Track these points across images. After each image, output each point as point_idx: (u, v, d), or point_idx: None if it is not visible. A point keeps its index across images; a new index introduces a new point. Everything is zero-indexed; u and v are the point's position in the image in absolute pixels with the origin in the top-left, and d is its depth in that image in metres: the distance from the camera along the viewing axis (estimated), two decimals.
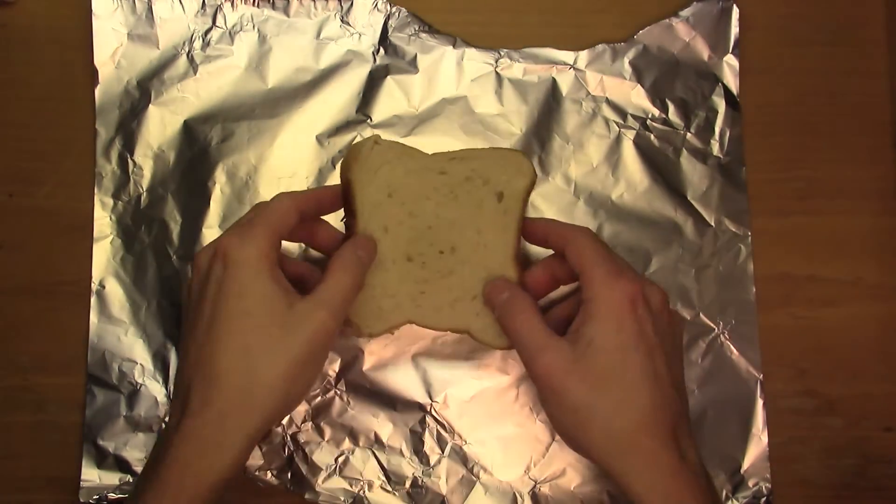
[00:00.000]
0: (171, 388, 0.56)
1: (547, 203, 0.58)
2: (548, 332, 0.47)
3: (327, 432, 0.56)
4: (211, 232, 0.57)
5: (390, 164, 0.52)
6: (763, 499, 0.55)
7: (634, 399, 0.45)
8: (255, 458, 0.55)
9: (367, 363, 0.56)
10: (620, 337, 0.46)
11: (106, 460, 0.55)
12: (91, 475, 0.55)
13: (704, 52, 0.59)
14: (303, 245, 0.57)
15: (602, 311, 0.46)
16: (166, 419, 0.55)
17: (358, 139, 0.58)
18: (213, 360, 0.45)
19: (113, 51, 0.59)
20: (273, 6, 0.59)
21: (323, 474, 0.55)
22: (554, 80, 0.59)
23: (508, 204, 0.52)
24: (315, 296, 0.46)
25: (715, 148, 0.58)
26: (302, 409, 0.56)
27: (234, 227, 0.49)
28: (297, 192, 0.50)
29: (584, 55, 0.59)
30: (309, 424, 0.56)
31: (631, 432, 0.45)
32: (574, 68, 0.59)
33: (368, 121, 0.58)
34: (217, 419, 0.44)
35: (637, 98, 0.59)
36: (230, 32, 0.59)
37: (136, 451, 0.55)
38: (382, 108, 0.58)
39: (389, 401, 0.56)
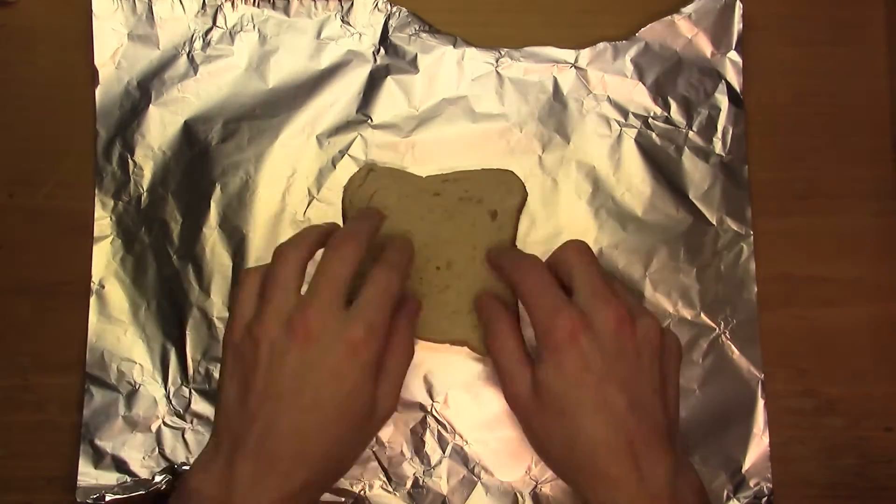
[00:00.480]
0: (170, 388, 0.56)
1: (548, 203, 0.58)
2: (519, 359, 0.49)
3: None
4: (211, 232, 0.57)
5: (385, 189, 0.55)
6: (764, 499, 0.55)
7: (584, 432, 0.46)
8: None
9: None
10: (562, 376, 0.47)
11: (103, 460, 0.55)
12: (88, 475, 0.55)
13: (707, 49, 0.59)
14: None
15: (545, 352, 0.47)
16: (164, 419, 0.55)
17: (358, 139, 0.58)
18: (279, 420, 0.45)
19: (113, 51, 0.59)
20: (273, 6, 0.59)
21: None
22: (555, 79, 0.59)
23: (502, 221, 0.55)
24: (385, 381, 0.48)
25: (717, 146, 0.58)
26: None
27: (305, 298, 0.47)
28: (361, 232, 0.49)
29: (585, 54, 0.59)
30: None
31: (586, 461, 0.46)
32: (575, 67, 0.59)
33: (369, 121, 0.58)
34: (266, 475, 0.45)
35: (639, 96, 0.59)
36: (230, 32, 0.59)
37: (133, 451, 0.55)
38: (383, 108, 0.58)
39: None
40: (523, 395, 0.48)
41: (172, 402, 0.56)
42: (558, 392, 0.47)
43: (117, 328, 0.56)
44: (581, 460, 0.47)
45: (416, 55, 0.59)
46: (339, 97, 0.59)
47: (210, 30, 0.59)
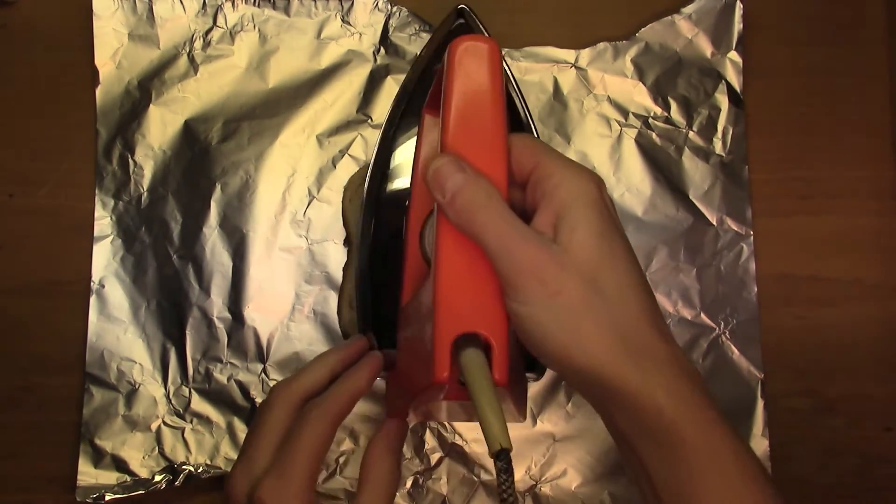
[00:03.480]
0: (170, 388, 0.56)
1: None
2: (524, 224, 0.39)
3: None
4: (211, 232, 0.57)
5: None
6: None
7: (632, 288, 0.39)
8: None
9: None
10: (602, 223, 0.39)
11: (103, 460, 0.55)
12: (88, 475, 0.55)
13: (707, 49, 0.59)
14: None
15: (576, 197, 0.39)
16: (164, 419, 0.55)
17: (358, 139, 0.58)
18: None
19: (113, 51, 0.59)
20: (274, 6, 0.59)
21: (323, 474, 0.55)
22: (555, 79, 0.59)
23: None
24: None
25: (717, 146, 0.58)
26: None
27: (260, 455, 0.44)
28: (330, 406, 0.45)
29: (585, 54, 0.59)
30: None
31: (636, 327, 0.38)
32: (575, 67, 0.59)
33: (369, 121, 0.58)
34: None
35: (639, 96, 0.59)
36: (231, 32, 0.59)
37: (133, 450, 0.55)
38: (383, 108, 0.58)
39: None
40: (548, 259, 0.38)
41: (172, 402, 0.56)
42: (599, 239, 0.39)
43: (117, 328, 0.56)
44: (624, 325, 0.38)
45: (417, 55, 0.59)
46: (339, 97, 0.59)
47: (210, 30, 0.59)
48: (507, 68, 0.52)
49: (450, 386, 0.39)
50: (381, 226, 0.53)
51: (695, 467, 0.38)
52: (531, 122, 0.53)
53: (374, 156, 0.53)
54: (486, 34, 0.52)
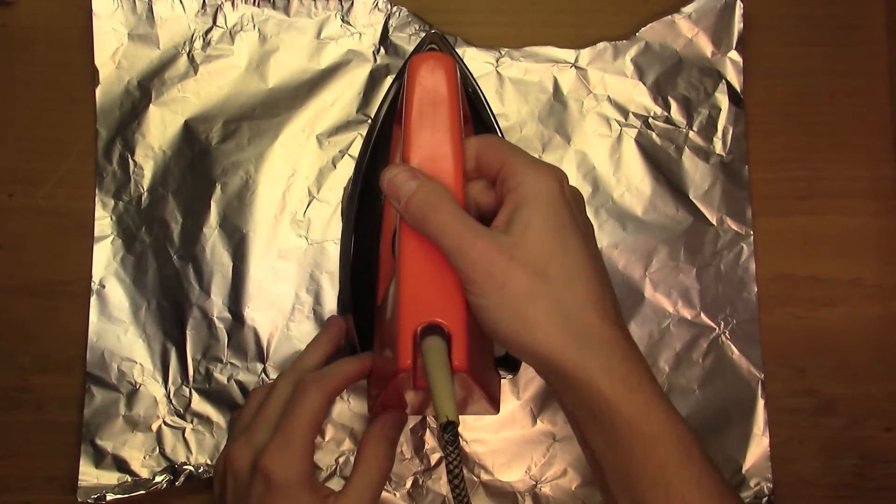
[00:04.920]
0: (170, 388, 0.56)
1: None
2: (475, 221, 0.42)
3: (328, 432, 0.56)
4: (211, 232, 0.57)
5: None
6: (764, 499, 0.55)
7: (579, 279, 0.41)
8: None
9: None
10: (558, 218, 0.42)
11: (104, 460, 0.55)
12: (89, 475, 0.55)
13: (707, 48, 0.59)
14: None
15: (535, 194, 0.42)
16: (165, 419, 0.55)
17: (358, 139, 0.58)
18: None
19: (113, 51, 0.59)
20: (273, 6, 0.59)
21: (323, 474, 0.55)
22: (555, 79, 0.59)
23: None
24: (346, 496, 0.46)
25: (717, 146, 0.58)
26: None
27: (264, 425, 0.48)
28: (327, 381, 0.48)
29: (585, 53, 0.59)
30: None
31: (579, 312, 0.41)
32: (575, 67, 0.59)
33: (369, 121, 0.58)
34: None
35: (639, 96, 0.59)
36: (231, 32, 0.59)
37: (134, 450, 0.55)
38: None
39: None
40: (498, 253, 0.41)
41: (173, 402, 0.56)
42: (552, 233, 0.42)
43: (117, 328, 0.56)
44: (571, 313, 0.41)
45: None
46: (339, 97, 0.59)
47: (210, 29, 0.59)
48: (474, 81, 0.55)
49: (417, 375, 0.42)
50: (363, 230, 0.54)
51: (633, 447, 0.40)
52: (500, 133, 0.55)
53: (357, 162, 0.55)
54: (455, 57, 0.56)
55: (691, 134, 0.58)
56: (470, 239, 0.41)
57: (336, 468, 0.55)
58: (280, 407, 0.48)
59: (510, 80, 0.59)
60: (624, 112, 0.59)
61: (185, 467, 0.55)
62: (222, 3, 0.59)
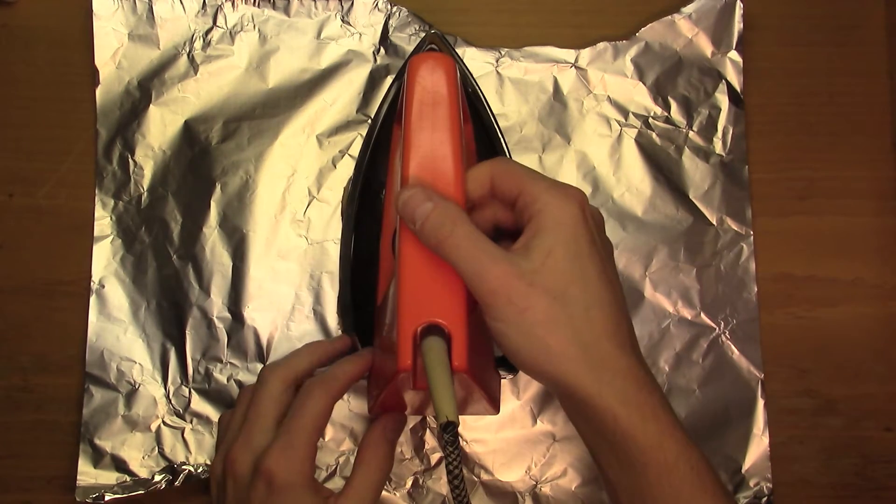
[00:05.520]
0: (170, 388, 0.56)
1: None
2: (493, 245, 0.42)
3: (328, 433, 0.56)
4: (211, 232, 0.57)
5: None
6: (764, 499, 0.55)
7: (598, 306, 0.42)
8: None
9: None
10: (578, 244, 0.42)
11: (103, 460, 0.55)
12: (88, 475, 0.55)
13: (707, 48, 0.59)
14: None
15: (556, 220, 0.42)
16: (164, 419, 0.55)
17: (358, 139, 0.58)
18: None
19: (113, 51, 0.59)
20: (273, 6, 0.59)
21: (323, 474, 0.55)
22: (555, 79, 0.59)
23: None
24: (346, 498, 0.46)
25: (717, 146, 0.58)
26: None
27: (261, 426, 0.47)
28: (331, 384, 0.48)
29: (585, 53, 0.59)
30: None
31: (597, 341, 0.41)
32: (575, 67, 0.59)
33: (369, 121, 0.58)
34: None
35: (639, 96, 0.59)
36: (231, 32, 0.59)
37: (133, 450, 0.55)
38: None
39: None
40: (517, 279, 0.41)
41: (172, 402, 0.56)
42: (572, 261, 0.42)
43: (117, 328, 0.56)
44: (588, 342, 0.41)
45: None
46: (339, 97, 0.59)
47: (210, 30, 0.59)
48: (474, 81, 0.55)
49: (417, 375, 0.42)
50: (363, 230, 0.54)
51: (648, 474, 0.41)
52: (500, 133, 0.55)
53: (357, 162, 0.55)
54: (455, 57, 0.56)
55: (691, 134, 0.58)
56: (488, 264, 0.41)
57: (336, 468, 0.55)
58: (273, 407, 0.48)
59: (510, 80, 0.59)
60: (624, 112, 0.59)
61: (184, 467, 0.55)
62: (222, 3, 0.59)
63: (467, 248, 0.42)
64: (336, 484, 0.55)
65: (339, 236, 0.57)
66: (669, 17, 0.59)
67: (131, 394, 0.56)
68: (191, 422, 0.56)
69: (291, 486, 0.45)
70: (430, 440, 0.56)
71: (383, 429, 0.48)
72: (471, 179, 0.45)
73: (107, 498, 0.54)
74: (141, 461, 0.55)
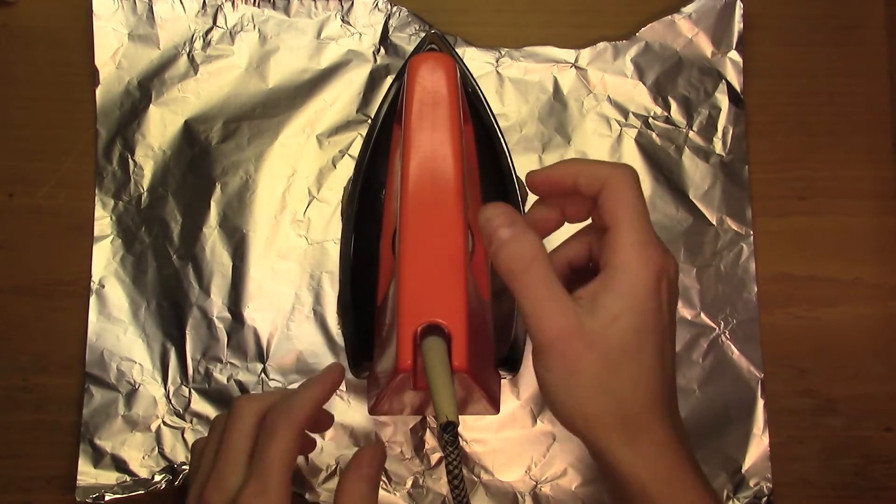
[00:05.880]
0: (170, 388, 0.56)
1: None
2: (563, 291, 0.41)
3: (327, 432, 0.55)
4: (211, 232, 0.57)
5: None
6: (764, 499, 0.55)
7: (647, 382, 0.41)
8: None
9: None
10: (644, 318, 0.41)
11: (103, 460, 0.55)
12: (88, 475, 0.55)
13: (707, 48, 0.59)
14: None
15: (631, 286, 0.41)
16: (164, 419, 0.55)
17: (358, 139, 0.58)
18: None
19: (114, 51, 0.59)
20: (273, 6, 0.59)
21: (323, 474, 0.55)
22: (555, 79, 0.59)
23: None
24: None
25: (717, 146, 0.58)
26: None
27: (231, 467, 0.44)
28: (295, 414, 0.44)
29: (585, 53, 0.59)
30: None
31: (638, 414, 0.41)
32: (575, 67, 0.59)
33: (369, 121, 0.58)
34: None
35: (639, 96, 0.59)
36: (231, 32, 0.59)
37: (133, 450, 0.55)
38: None
39: None
40: (576, 337, 0.40)
41: (172, 402, 0.56)
42: (635, 332, 0.41)
43: (117, 328, 0.56)
44: (629, 414, 0.41)
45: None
46: (339, 97, 0.59)
47: (210, 30, 0.59)
48: (474, 81, 0.55)
49: (417, 375, 0.42)
50: (363, 230, 0.54)
51: None
52: (500, 133, 0.55)
53: (357, 162, 0.55)
54: (455, 57, 0.55)
55: (691, 134, 0.58)
56: (552, 313, 0.40)
57: (336, 468, 0.55)
58: (245, 442, 0.45)
59: (510, 80, 0.59)
60: (624, 112, 0.59)
61: (183, 467, 0.55)
62: (222, 3, 0.59)
63: (537, 290, 0.40)
64: (335, 484, 0.55)
65: (339, 236, 0.57)
66: (669, 17, 0.59)
67: (131, 394, 0.56)
68: (191, 422, 0.56)
69: None
70: (430, 440, 0.56)
71: (358, 469, 0.44)
72: (584, 173, 0.43)
73: (107, 498, 0.54)
74: (141, 461, 0.55)
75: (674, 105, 0.59)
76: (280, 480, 0.43)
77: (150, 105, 0.58)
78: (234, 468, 0.44)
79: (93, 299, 0.56)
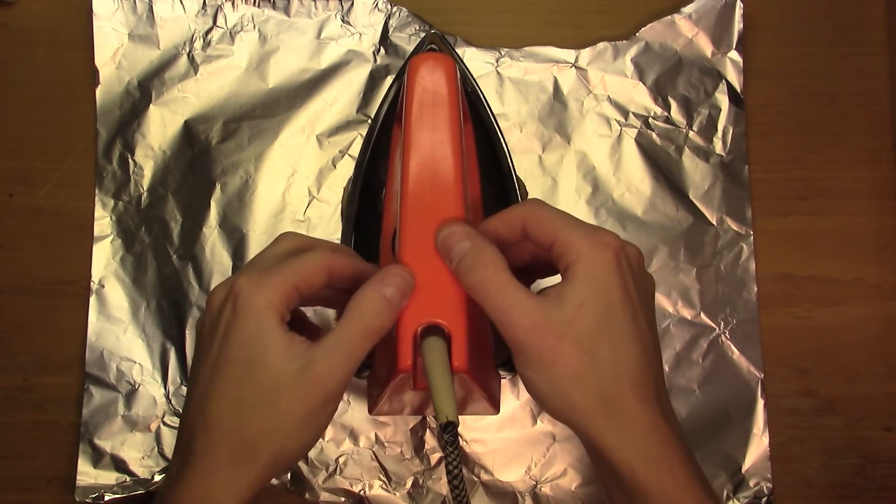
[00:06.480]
0: (170, 388, 0.56)
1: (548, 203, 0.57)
2: (526, 291, 0.42)
3: (327, 432, 0.56)
4: (211, 232, 0.57)
5: None
6: (764, 499, 0.55)
7: (624, 361, 0.42)
8: None
9: None
10: (609, 296, 0.41)
11: (103, 459, 0.55)
12: (88, 475, 0.55)
13: (707, 48, 0.59)
14: None
15: (589, 271, 0.41)
16: (164, 419, 0.55)
17: (358, 139, 0.58)
18: (210, 409, 0.42)
19: (114, 51, 0.59)
20: (274, 6, 0.59)
21: (323, 474, 0.55)
22: (555, 79, 0.59)
23: None
24: (319, 346, 0.41)
25: (717, 146, 0.58)
26: None
27: (255, 266, 0.44)
28: (337, 254, 0.44)
29: (585, 53, 0.59)
30: None
31: (621, 396, 0.41)
32: (575, 67, 0.59)
33: (369, 121, 0.58)
34: (213, 471, 0.42)
35: (639, 96, 0.59)
36: (231, 32, 0.59)
37: (133, 450, 0.55)
38: None
39: None
40: (547, 329, 0.41)
41: (172, 402, 0.56)
42: (602, 313, 0.41)
43: (117, 327, 0.56)
44: (611, 396, 0.41)
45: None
46: (339, 97, 0.59)
47: (210, 30, 0.59)
48: (474, 81, 0.55)
49: (417, 375, 0.42)
50: (363, 230, 0.54)
51: None
52: (500, 133, 0.55)
53: (357, 162, 0.55)
54: (455, 57, 0.56)
55: (691, 134, 0.58)
56: (519, 314, 0.41)
57: (336, 468, 0.55)
58: (271, 257, 0.44)
59: (510, 80, 0.59)
60: (624, 112, 0.59)
61: None
62: (222, 3, 0.59)
63: (499, 295, 0.41)
64: (335, 484, 0.55)
65: (339, 236, 0.57)
66: (669, 17, 0.59)
67: (131, 394, 0.56)
68: None
69: (254, 310, 0.41)
70: (430, 440, 0.56)
71: (380, 285, 0.42)
72: (502, 224, 0.44)
73: (107, 498, 0.54)
74: (141, 461, 0.55)
75: (674, 105, 0.59)
76: (285, 274, 0.42)
77: (150, 105, 0.58)
78: (246, 269, 0.43)
79: (93, 299, 0.56)
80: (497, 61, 0.59)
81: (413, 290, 0.43)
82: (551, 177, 0.58)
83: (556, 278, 0.43)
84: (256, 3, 0.59)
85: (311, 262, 0.43)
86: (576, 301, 0.41)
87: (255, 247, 0.57)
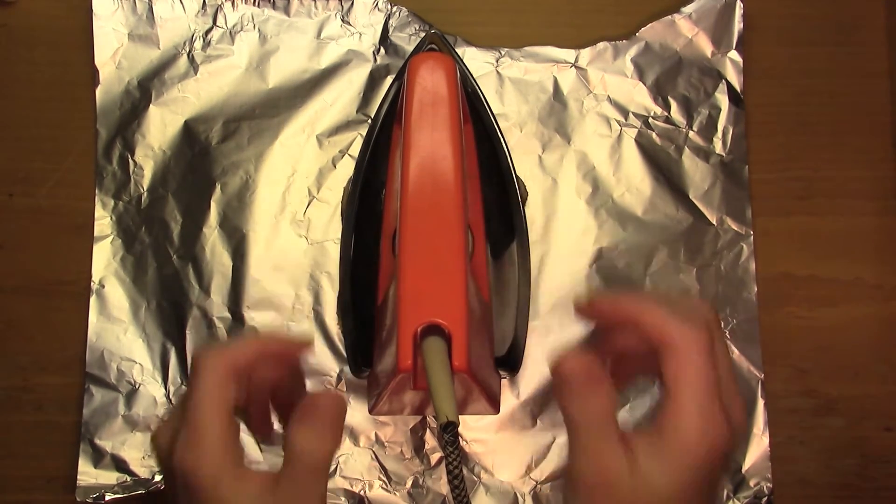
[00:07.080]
0: (170, 388, 0.56)
1: (548, 204, 0.58)
2: (619, 438, 0.38)
3: None
4: (211, 232, 0.57)
5: None
6: (764, 499, 0.55)
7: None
8: (256, 458, 0.55)
9: None
10: (686, 490, 0.38)
11: (103, 460, 0.55)
12: (88, 475, 0.55)
13: (707, 48, 0.59)
14: None
15: (682, 454, 0.38)
16: (164, 419, 0.55)
17: (358, 139, 0.58)
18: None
19: (113, 51, 0.59)
20: (274, 6, 0.59)
21: None
22: (555, 79, 0.59)
23: None
24: (281, 488, 0.38)
25: (717, 146, 0.58)
26: None
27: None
28: (230, 351, 0.40)
29: (585, 53, 0.59)
30: None
31: None
32: (575, 67, 0.59)
33: (369, 121, 0.58)
34: None
35: (639, 96, 0.59)
36: (231, 32, 0.59)
37: (133, 450, 0.55)
38: None
39: None
40: (614, 488, 0.38)
41: (172, 402, 0.56)
42: (669, 492, 0.38)
43: (117, 328, 0.56)
44: None
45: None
46: (339, 97, 0.59)
47: (210, 29, 0.59)
48: (474, 81, 0.55)
49: (417, 375, 0.42)
50: (363, 230, 0.54)
51: None
52: (500, 133, 0.55)
53: (357, 162, 0.55)
54: (455, 57, 0.56)
55: (691, 134, 0.58)
56: (608, 457, 0.38)
57: (336, 468, 0.55)
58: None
59: (510, 80, 0.59)
60: (624, 112, 0.59)
61: None
62: (222, 3, 0.59)
63: (600, 437, 0.38)
64: (335, 484, 0.55)
65: (339, 236, 0.57)
66: (669, 17, 0.59)
67: (131, 394, 0.56)
68: None
69: (210, 478, 0.38)
70: (431, 440, 0.56)
71: (304, 420, 0.39)
72: (650, 320, 0.40)
73: (107, 498, 0.54)
74: (141, 461, 0.55)
75: (674, 105, 0.59)
76: (211, 425, 0.39)
77: (150, 105, 0.58)
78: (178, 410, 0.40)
79: (93, 299, 0.56)
80: (497, 61, 0.59)
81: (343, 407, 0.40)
82: (551, 177, 0.58)
83: None
84: (256, 3, 0.59)
85: (212, 387, 0.39)
86: (658, 470, 0.38)
87: (255, 247, 0.57)
